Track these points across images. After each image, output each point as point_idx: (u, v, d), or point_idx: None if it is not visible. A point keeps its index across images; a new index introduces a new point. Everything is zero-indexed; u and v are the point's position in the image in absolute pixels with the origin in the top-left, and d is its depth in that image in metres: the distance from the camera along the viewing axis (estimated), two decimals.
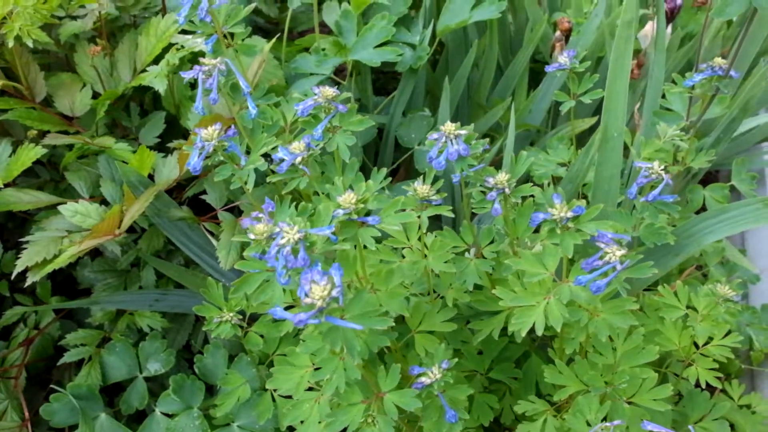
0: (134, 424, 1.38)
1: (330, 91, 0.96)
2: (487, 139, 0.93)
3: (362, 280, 0.94)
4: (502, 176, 0.91)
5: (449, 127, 0.88)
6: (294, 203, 0.85)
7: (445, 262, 0.96)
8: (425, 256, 1.00)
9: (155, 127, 1.41)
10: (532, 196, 0.94)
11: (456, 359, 0.92)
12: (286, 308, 0.77)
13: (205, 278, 1.43)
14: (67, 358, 1.39)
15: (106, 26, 1.51)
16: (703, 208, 1.40)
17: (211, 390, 1.35)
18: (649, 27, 1.73)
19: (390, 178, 1.60)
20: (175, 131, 1.47)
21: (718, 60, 1.17)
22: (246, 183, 1.00)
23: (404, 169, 1.73)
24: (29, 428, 1.28)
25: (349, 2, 1.60)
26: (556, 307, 0.85)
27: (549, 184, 1.53)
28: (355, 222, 0.80)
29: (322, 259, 0.75)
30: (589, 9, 1.86)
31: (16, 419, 1.30)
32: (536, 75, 1.96)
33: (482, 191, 0.95)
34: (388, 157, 1.69)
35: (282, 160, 0.90)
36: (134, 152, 1.37)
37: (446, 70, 1.81)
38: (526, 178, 1.71)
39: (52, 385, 1.46)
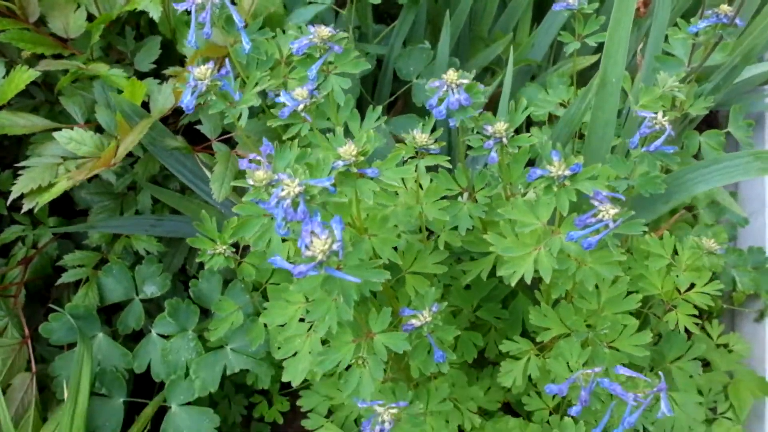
0: (131, 342, 1.42)
1: (326, 30, 0.95)
2: (488, 88, 0.92)
3: (356, 221, 0.96)
4: (500, 125, 0.91)
5: (451, 75, 0.87)
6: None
7: (440, 209, 0.98)
8: (418, 199, 1.01)
9: (151, 52, 1.38)
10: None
11: (445, 302, 0.94)
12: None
13: (200, 204, 1.45)
14: (65, 278, 1.42)
15: None
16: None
17: (206, 313, 1.39)
18: None
19: (385, 117, 1.60)
20: (172, 56, 1.44)
21: (724, 7, 1.16)
22: (239, 119, 1.00)
23: (402, 102, 1.71)
24: (29, 344, 1.32)
25: None
26: (546, 258, 0.87)
27: (545, 125, 1.54)
28: (354, 174, 0.81)
29: (321, 210, 0.76)
30: None
31: (16, 336, 1.34)
32: (541, 5, 1.92)
33: (480, 138, 0.95)
34: (387, 89, 1.67)
35: (282, 104, 0.90)
36: (129, 78, 1.36)
37: (448, 1, 1.77)
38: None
39: (50, 305, 1.51)
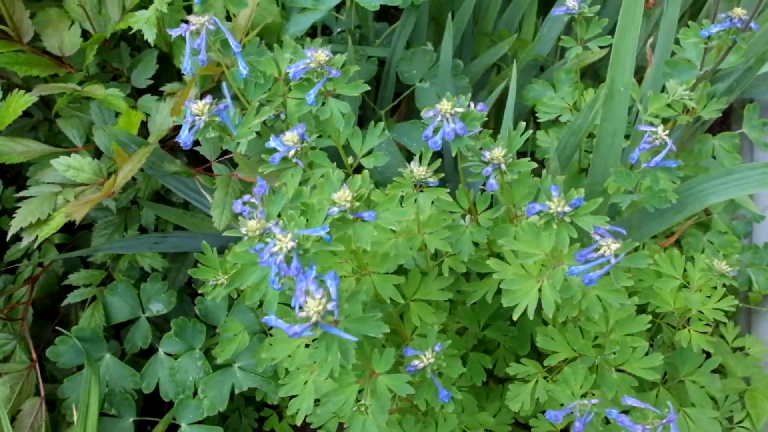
0: (141, 359, 1.42)
1: (323, 54, 0.92)
2: (484, 113, 0.89)
3: (357, 256, 0.93)
4: (498, 152, 0.88)
5: (445, 105, 0.84)
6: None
7: (442, 239, 0.95)
8: (419, 228, 0.98)
9: (147, 68, 1.36)
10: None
11: (449, 341, 0.92)
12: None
13: (204, 218, 1.44)
14: (71, 298, 1.42)
15: None
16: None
17: (213, 329, 1.38)
18: None
19: (390, 120, 1.56)
20: (169, 71, 1.42)
21: (738, 11, 1.11)
22: (237, 148, 0.98)
23: (405, 105, 1.68)
24: (38, 370, 1.32)
25: None
26: (550, 291, 0.85)
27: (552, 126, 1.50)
28: (350, 219, 0.78)
29: (317, 260, 0.74)
30: None
31: (24, 359, 1.34)
32: (546, 1, 1.87)
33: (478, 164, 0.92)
34: (390, 93, 1.64)
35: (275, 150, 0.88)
36: (127, 95, 1.33)
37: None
38: (531, 110, 1.66)
39: (58, 322, 1.51)
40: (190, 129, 0.87)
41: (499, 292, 1.08)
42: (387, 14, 1.86)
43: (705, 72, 1.23)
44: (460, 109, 0.85)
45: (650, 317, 1.02)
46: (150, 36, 1.16)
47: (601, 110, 1.17)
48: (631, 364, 1.00)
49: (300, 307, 0.68)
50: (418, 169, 0.87)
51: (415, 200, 0.87)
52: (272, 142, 0.86)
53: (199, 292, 1.06)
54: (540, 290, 0.87)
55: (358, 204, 0.77)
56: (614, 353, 0.98)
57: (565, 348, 1.02)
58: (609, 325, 1.02)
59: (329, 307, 0.68)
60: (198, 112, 0.87)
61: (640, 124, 1.02)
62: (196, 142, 1.31)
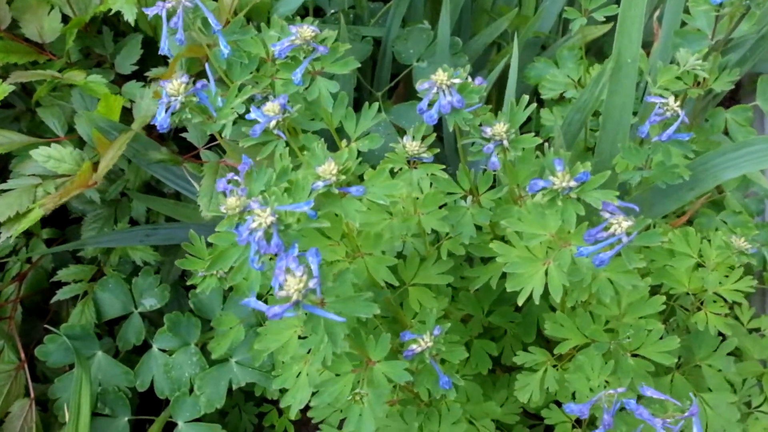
0: (134, 355, 1.37)
1: (308, 30, 0.86)
2: (483, 86, 0.83)
3: (350, 237, 0.88)
4: (499, 127, 0.82)
5: (440, 76, 0.78)
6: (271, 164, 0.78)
7: (439, 218, 0.89)
8: (415, 208, 0.93)
9: (132, 53, 1.30)
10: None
11: (448, 323, 0.87)
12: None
13: (196, 209, 1.38)
14: (61, 295, 1.37)
15: None
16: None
17: (208, 323, 1.33)
18: None
19: (387, 102, 1.50)
20: (155, 56, 1.35)
21: None
22: (221, 132, 0.92)
23: (403, 86, 1.62)
24: (26, 368, 1.28)
25: None
26: (557, 274, 0.79)
27: (555, 105, 1.44)
28: (337, 194, 0.73)
29: (299, 239, 0.68)
30: None
31: (13, 359, 1.29)
32: None
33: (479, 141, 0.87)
34: (386, 74, 1.58)
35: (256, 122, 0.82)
36: (112, 82, 1.28)
37: None
38: (534, 90, 1.60)
39: (48, 320, 1.46)
40: (167, 110, 0.82)
41: (504, 277, 1.03)
42: None
43: (716, 42, 1.16)
44: (457, 81, 0.79)
45: (664, 298, 0.96)
46: (130, 16, 1.11)
47: (607, 84, 1.10)
48: (646, 349, 0.94)
49: (280, 287, 0.63)
50: (411, 144, 0.81)
51: (409, 179, 0.82)
52: (252, 113, 0.81)
53: (188, 284, 1.01)
54: (546, 273, 0.82)
55: (344, 177, 0.71)
56: (628, 338, 0.92)
57: (576, 334, 0.96)
58: (621, 308, 0.97)
59: (311, 284, 0.62)
60: (173, 92, 0.81)
61: (649, 96, 0.96)
62: (183, 129, 1.25)
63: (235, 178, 0.81)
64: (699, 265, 1.05)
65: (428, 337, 0.83)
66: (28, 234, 1.48)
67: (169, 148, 1.18)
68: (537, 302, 0.79)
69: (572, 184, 0.71)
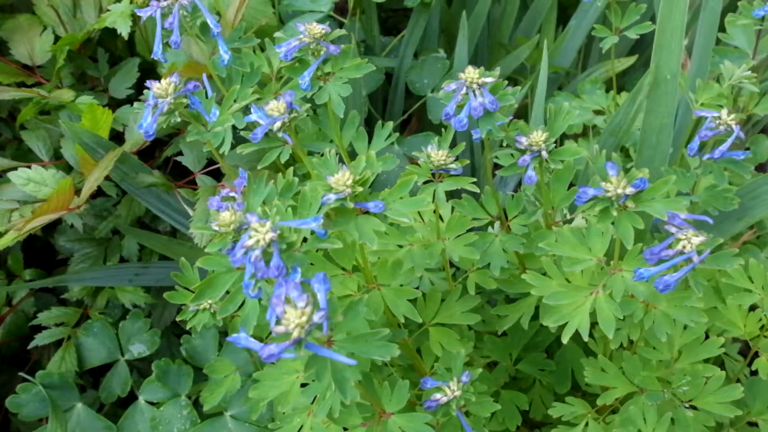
0: (120, 409, 1.24)
1: (318, 28, 0.76)
2: (518, 87, 0.73)
3: (363, 266, 0.76)
4: (537, 135, 0.71)
5: (471, 74, 0.68)
6: (273, 178, 0.67)
7: (466, 245, 0.77)
8: (439, 234, 0.81)
9: (127, 77, 1.21)
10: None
11: (478, 369, 0.74)
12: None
13: (193, 247, 1.27)
14: (39, 340, 1.24)
15: None
16: None
17: (202, 372, 1.20)
18: None
19: (398, 134, 1.40)
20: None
21: None
22: (221, 146, 0.82)
23: (416, 119, 1.53)
24: None
25: None
26: (607, 304, 0.66)
27: (580, 139, 1.34)
28: (351, 209, 0.61)
29: (305, 262, 0.56)
30: None
31: None
32: (564, 11, 1.74)
33: (512, 153, 0.76)
34: (398, 106, 1.49)
35: (256, 125, 0.71)
36: (105, 107, 1.19)
37: (463, 5, 1.58)
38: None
39: (26, 369, 1.33)
40: (153, 114, 0.71)
41: (535, 318, 0.91)
42: (393, 29, 1.73)
43: (758, 61, 1.07)
44: (489, 80, 0.68)
45: (723, 340, 0.83)
46: (124, 30, 1.02)
47: (645, 103, 1.00)
48: (705, 399, 0.81)
49: (277, 320, 0.50)
50: (437, 154, 0.70)
51: (434, 194, 0.70)
52: (253, 114, 0.70)
53: (178, 319, 0.89)
54: (594, 306, 0.69)
55: (361, 189, 0.60)
56: (685, 386, 0.79)
57: (622, 382, 0.83)
58: (673, 351, 0.84)
59: (316, 318, 0.50)
60: (161, 93, 0.70)
61: (698, 110, 0.86)
62: (179, 153, 1.15)
63: (231, 194, 0.70)
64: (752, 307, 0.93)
65: (455, 384, 0.70)
66: (9, 275, 1.37)
67: (163, 175, 1.08)
68: (586, 338, 0.67)
69: (629, 190, 0.60)
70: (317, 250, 0.72)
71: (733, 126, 0.83)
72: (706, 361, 0.85)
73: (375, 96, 1.49)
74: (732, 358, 1.09)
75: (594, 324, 0.95)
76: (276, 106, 0.70)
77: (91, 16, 1.21)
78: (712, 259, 0.61)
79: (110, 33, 1.31)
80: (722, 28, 1.10)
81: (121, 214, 1.27)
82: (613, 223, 0.62)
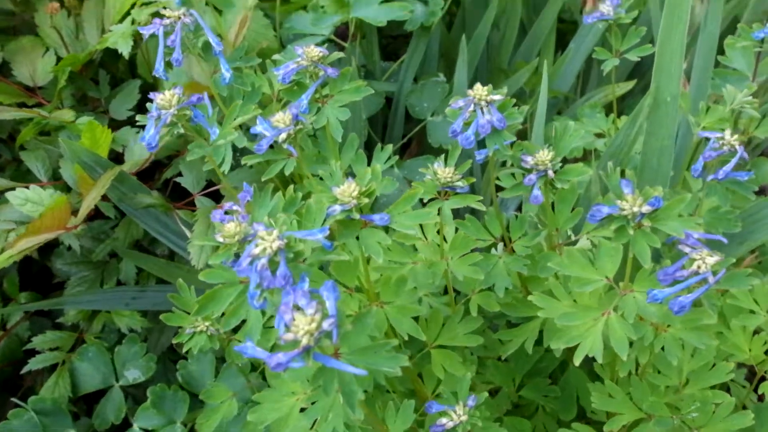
0: None
1: (316, 50, 0.76)
2: (525, 107, 0.73)
3: (366, 284, 0.75)
4: (543, 154, 0.70)
5: (479, 91, 0.68)
6: (278, 191, 0.66)
7: (471, 264, 0.76)
8: (442, 253, 0.80)
9: (128, 98, 1.21)
10: None
11: (484, 393, 0.72)
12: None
13: (191, 270, 1.25)
14: (33, 365, 1.22)
15: None
16: None
17: (198, 398, 1.18)
18: None
19: (397, 157, 1.39)
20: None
21: None
22: (221, 164, 0.81)
23: (416, 143, 1.52)
24: None
25: None
26: (620, 325, 0.65)
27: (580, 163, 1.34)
28: (357, 221, 0.60)
29: (310, 273, 0.55)
30: None
31: None
32: (562, 37, 1.75)
33: (513, 174, 0.75)
34: (398, 130, 1.49)
35: (261, 136, 0.70)
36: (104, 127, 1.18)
37: (463, 30, 1.59)
38: None
39: (13, 399, 1.30)
40: (156, 126, 0.70)
41: (539, 342, 0.89)
42: (393, 54, 1.73)
43: (758, 83, 1.07)
44: (497, 97, 0.68)
45: (733, 365, 0.82)
46: (125, 50, 1.02)
47: (645, 125, 1.00)
48: (714, 426, 0.79)
49: (286, 327, 0.49)
50: (443, 171, 0.69)
51: (439, 210, 0.69)
52: (258, 126, 0.69)
53: (174, 341, 0.87)
54: (606, 328, 0.68)
55: (366, 201, 0.59)
56: (694, 412, 0.78)
57: (630, 408, 0.81)
58: (682, 376, 0.82)
59: (325, 326, 0.49)
60: (165, 104, 0.70)
61: (702, 131, 0.85)
62: (178, 174, 1.14)
63: (235, 207, 0.69)
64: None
65: (461, 409, 0.68)
66: (5, 298, 1.35)
67: (162, 196, 1.07)
68: (600, 360, 0.65)
69: (645, 209, 0.59)
70: (320, 268, 0.71)
71: (737, 147, 0.83)
72: (715, 387, 0.83)
73: (375, 119, 1.49)
74: (738, 384, 1.07)
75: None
76: (282, 118, 0.70)
77: (94, 38, 1.21)
78: (725, 280, 0.60)
79: (112, 55, 1.31)
80: (721, 51, 1.11)
81: (119, 237, 1.25)
82: (628, 242, 0.60)
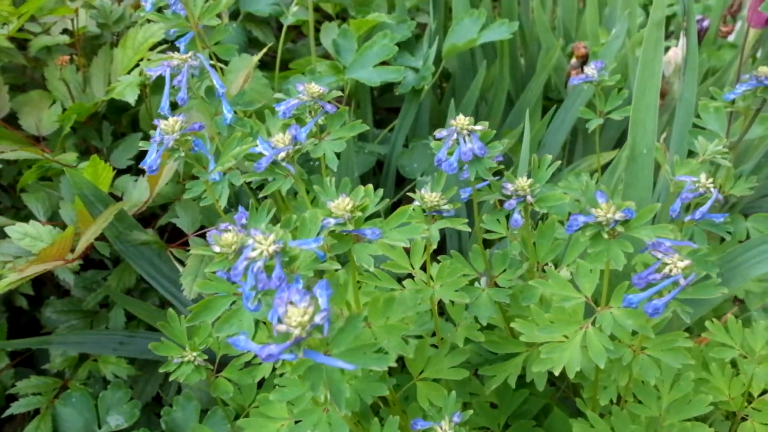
0: None
1: (316, 87, 0.82)
2: (505, 140, 0.78)
3: (354, 307, 0.77)
4: (522, 181, 0.75)
5: (461, 121, 0.73)
6: (273, 212, 0.70)
7: (456, 290, 0.79)
8: (429, 281, 0.83)
9: (130, 148, 1.26)
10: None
11: (469, 410, 0.74)
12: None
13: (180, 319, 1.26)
14: (15, 409, 1.21)
15: (86, 44, 1.39)
16: None
17: None
18: (672, 53, 1.60)
19: (387, 199, 1.45)
20: None
21: (764, 69, 1.03)
22: (219, 198, 0.85)
23: (406, 203, 1.57)
24: None
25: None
26: (597, 337, 0.68)
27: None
28: (349, 236, 0.64)
29: (304, 278, 0.58)
30: (606, 39, 1.74)
31: None
32: (548, 109, 1.83)
33: (499, 201, 0.79)
34: (389, 190, 1.54)
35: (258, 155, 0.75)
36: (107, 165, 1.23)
37: (452, 100, 1.68)
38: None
39: None
40: (158, 150, 0.74)
41: (522, 383, 0.91)
42: (385, 125, 1.81)
43: (731, 143, 1.14)
44: (479, 127, 0.73)
45: (711, 398, 0.83)
46: (131, 97, 1.07)
47: (623, 177, 1.05)
48: None
49: (279, 320, 0.51)
50: (430, 196, 0.73)
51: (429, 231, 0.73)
52: (259, 145, 0.74)
53: (161, 370, 0.88)
54: (584, 340, 0.70)
55: (360, 215, 0.63)
56: None
57: None
58: (662, 408, 0.83)
59: (317, 319, 0.51)
60: (168, 130, 0.74)
61: (679, 175, 0.91)
62: (175, 217, 1.18)
63: (229, 227, 0.72)
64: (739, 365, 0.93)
65: (447, 424, 0.69)
66: None
67: (157, 235, 1.10)
68: (572, 375, 0.67)
69: (619, 215, 0.63)
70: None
71: (712, 189, 0.88)
72: (695, 419, 0.84)
73: (366, 179, 1.54)
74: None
75: (575, 386, 0.95)
76: (281, 138, 0.74)
77: (101, 91, 1.27)
78: (695, 289, 0.64)
79: (116, 111, 1.38)
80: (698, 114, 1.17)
81: (112, 285, 1.27)
82: (605, 248, 0.64)
